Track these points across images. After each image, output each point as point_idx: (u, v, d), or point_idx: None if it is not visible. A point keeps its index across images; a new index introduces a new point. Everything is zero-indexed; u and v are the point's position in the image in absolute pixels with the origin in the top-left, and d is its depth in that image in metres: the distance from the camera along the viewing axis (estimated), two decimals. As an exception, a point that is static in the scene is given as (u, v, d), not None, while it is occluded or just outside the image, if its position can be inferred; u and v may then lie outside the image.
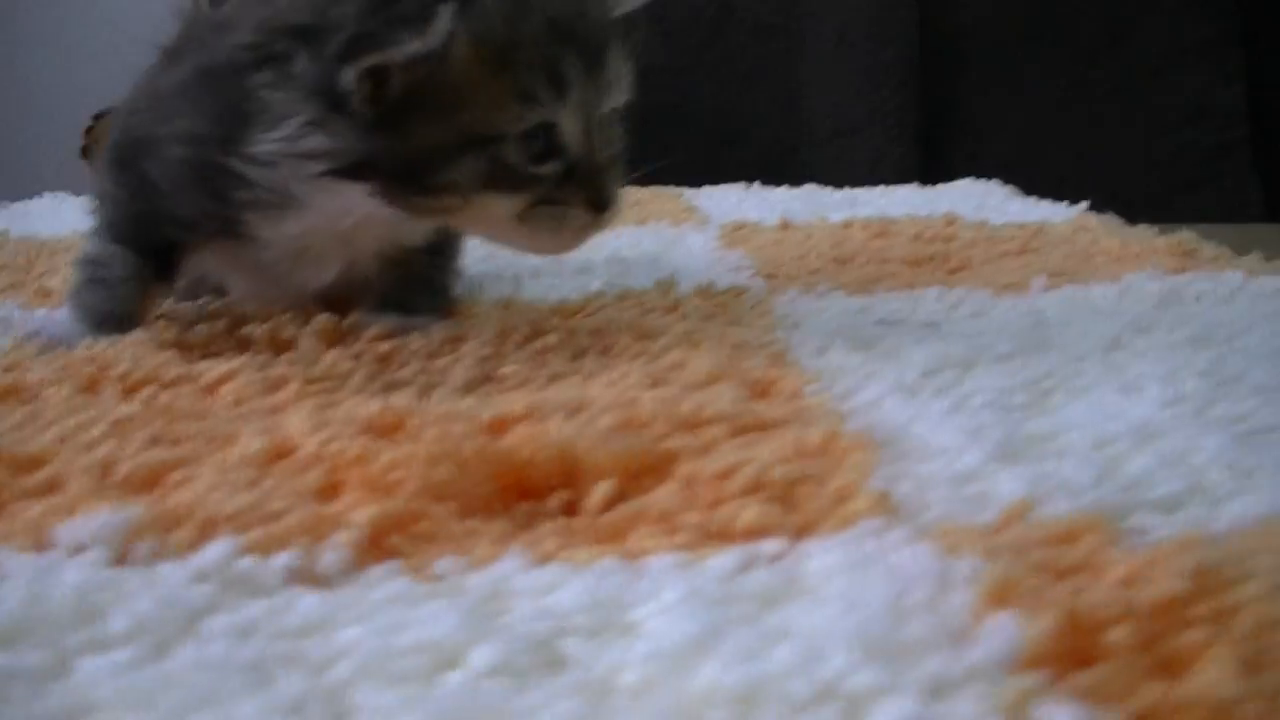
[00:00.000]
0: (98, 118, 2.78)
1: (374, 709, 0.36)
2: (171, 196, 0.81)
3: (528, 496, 0.54)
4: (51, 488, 0.54)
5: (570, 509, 0.53)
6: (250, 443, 0.57)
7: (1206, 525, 0.50)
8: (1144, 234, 1.20)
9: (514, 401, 0.61)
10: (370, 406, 0.61)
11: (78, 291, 0.86)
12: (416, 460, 0.53)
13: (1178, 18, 2.75)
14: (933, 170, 1.98)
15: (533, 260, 1.02)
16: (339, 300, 0.86)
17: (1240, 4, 2.77)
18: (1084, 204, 1.39)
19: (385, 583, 0.45)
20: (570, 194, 0.74)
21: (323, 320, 0.82)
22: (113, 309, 0.84)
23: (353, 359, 0.75)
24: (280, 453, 0.57)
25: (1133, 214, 1.33)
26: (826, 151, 2.74)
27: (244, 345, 0.81)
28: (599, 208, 0.75)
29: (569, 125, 0.73)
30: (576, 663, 0.39)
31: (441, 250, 0.88)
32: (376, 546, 0.48)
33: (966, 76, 2.79)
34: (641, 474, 0.54)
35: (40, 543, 0.48)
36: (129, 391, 0.70)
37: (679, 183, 1.78)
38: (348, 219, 0.78)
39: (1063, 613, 0.38)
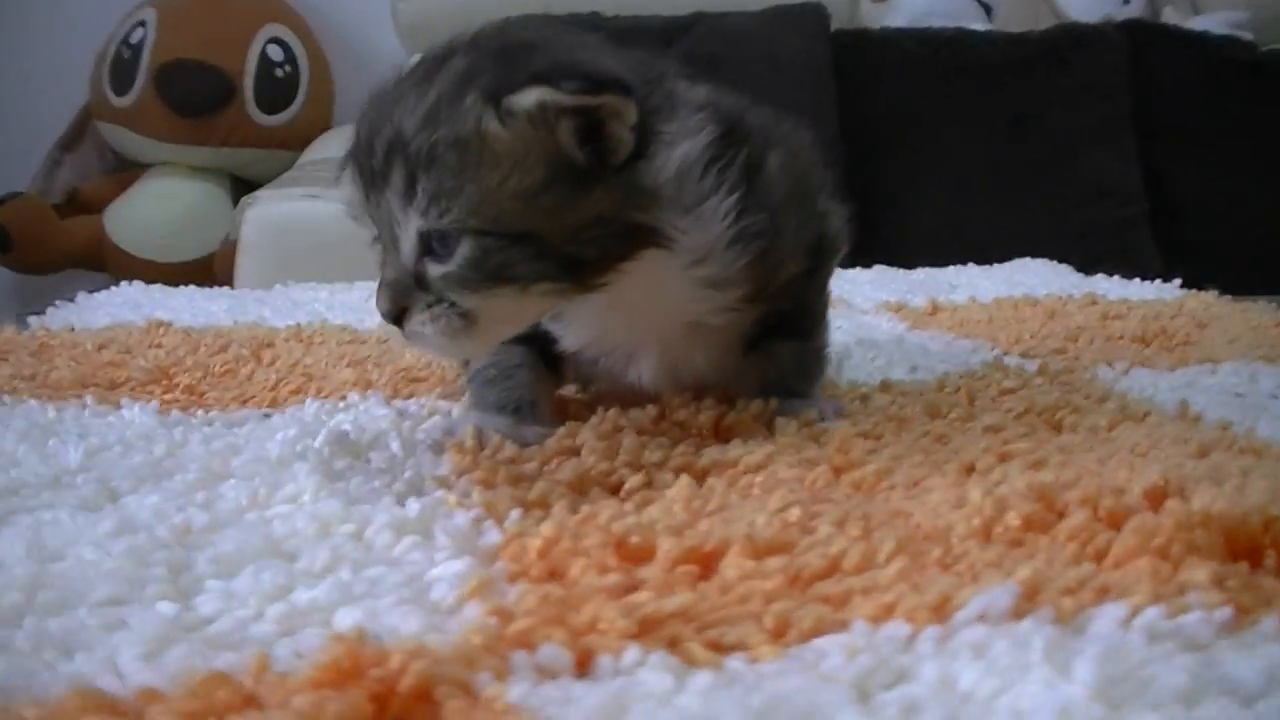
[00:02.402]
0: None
1: None
2: None
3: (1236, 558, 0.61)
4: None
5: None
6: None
7: None
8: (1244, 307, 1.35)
9: (1145, 474, 0.67)
10: (1017, 482, 0.66)
11: (482, 394, 0.89)
12: (1183, 527, 0.59)
13: (1076, 102, 2.96)
14: (860, 249, 2.07)
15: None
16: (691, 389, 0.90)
17: (1132, 89, 3.01)
18: (1177, 281, 1.53)
19: None
20: None
21: (753, 408, 0.86)
22: (522, 396, 0.87)
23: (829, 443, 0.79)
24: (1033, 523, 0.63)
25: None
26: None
27: (683, 430, 0.85)
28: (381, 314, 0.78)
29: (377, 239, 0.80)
30: None
31: (810, 333, 0.94)
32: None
33: (887, 159, 2.93)
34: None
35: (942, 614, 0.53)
36: (679, 476, 0.73)
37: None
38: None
39: None
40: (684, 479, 0.71)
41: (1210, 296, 1.45)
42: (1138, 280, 1.59)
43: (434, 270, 0.75)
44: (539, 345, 0.89)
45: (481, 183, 0.73)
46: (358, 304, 1.52)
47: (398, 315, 0.76)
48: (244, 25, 2.97)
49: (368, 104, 0.79)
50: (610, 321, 0.86)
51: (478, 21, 2.41)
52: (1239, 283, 1.59)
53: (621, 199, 0.76)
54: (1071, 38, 3.03)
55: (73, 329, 1.32)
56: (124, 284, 1.68)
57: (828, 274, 0.95)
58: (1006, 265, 1.82)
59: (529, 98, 0.72)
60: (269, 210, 2.37)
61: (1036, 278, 1.67)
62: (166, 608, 0.56)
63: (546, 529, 0.62)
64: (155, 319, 1.34)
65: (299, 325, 1.35)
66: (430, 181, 0.73)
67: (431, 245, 0.75)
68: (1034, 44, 3.03)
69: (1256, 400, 0.91)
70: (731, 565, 0.58)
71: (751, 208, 0.82)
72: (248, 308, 1.51)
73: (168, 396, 1.01)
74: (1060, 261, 2.02)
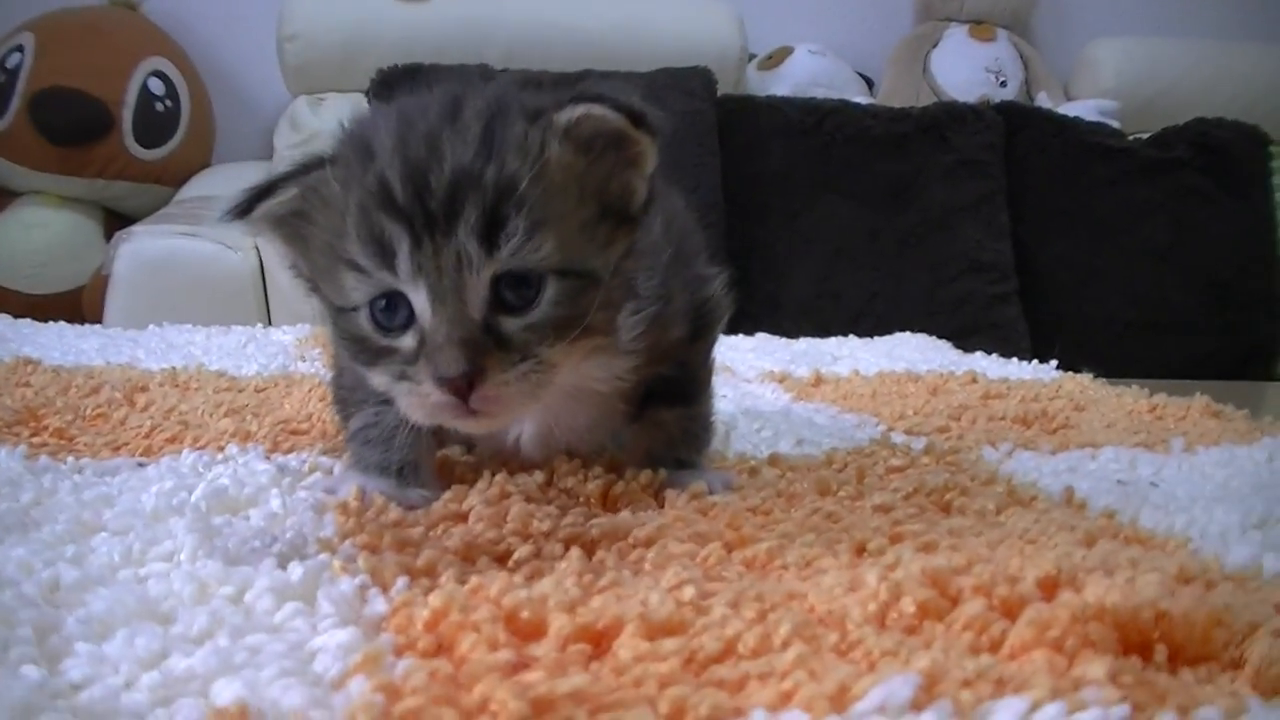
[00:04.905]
0: None
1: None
2: None
3: (1128, 652, 0.61)
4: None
5: (1175, 661, 0.61)
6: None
7: None
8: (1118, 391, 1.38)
9: (1038, 563, 0.67)
10: (911, 567, 0.66)
11: (362, 454, 0.85)
12: (1078, 620, 0.59)
13: (953, 178, 3.03)
14: (737, 311, 2.09)
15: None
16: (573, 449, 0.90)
17: (1006, 167, 3.08)
18: (1053, 363, 1.56)
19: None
20: (421, 367, 0.70)
21: (642, 478, 0.86)
22: (404, 457, 0.84)
23: (718, 516, 0.79)
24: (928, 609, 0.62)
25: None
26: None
27: (571, 498, 0.84)
28: (438, 382, 0.69)
29: (416, 297, 0.69)
30: None
31: (694, 399, 0.93)
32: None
33: (767, 224, 2.95)
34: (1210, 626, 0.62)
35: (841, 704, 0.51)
36: (569, 547, 0.72)
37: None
38: None
39: None
40: (575, 552, 0.70)
41: (1086, 379, 1.47)
42: (1015, 360, 1.62)
43: (513, 323, 0.70)
44: None
45: (562, 215, 0.70)
46: (234, 348, 1.48)
47: (473, 376, 0.68)
48: (125, 56, 2.90)
49: (373, 150, 0.70)
50: None
51: (366, 65, 2.40)
52: (1098, 358, 1.64)
53: (626, 252, 0.75)
54: (950, 115, 3.10)
55: (-67, 363, 1.27)
56: (-10, 318, 1.63)
57: (712, 340, 0.94)
58: (887, 338, 1.84)
59: (576, 111, 0.71)
60: (143, 246, 2.31)
61: (917, 352, 1.69)
62: (31, 672, 0.53)
63: (435, 600, 0.60)
64: (23, 356, 1.29)
65: (174, 369, 1.32)
66: (522, 217, 0.68)
67: (503, 295, 0.69)
68: (914, 119, 3.09)
69: (1139, 488, 0.92)
70: (625, 645, 0.56)
71: (645, 271, 0.81)
72: (120, 348, 1.47)
73: (35, 440, 0.97)
74: (932, 333, 2.08)
